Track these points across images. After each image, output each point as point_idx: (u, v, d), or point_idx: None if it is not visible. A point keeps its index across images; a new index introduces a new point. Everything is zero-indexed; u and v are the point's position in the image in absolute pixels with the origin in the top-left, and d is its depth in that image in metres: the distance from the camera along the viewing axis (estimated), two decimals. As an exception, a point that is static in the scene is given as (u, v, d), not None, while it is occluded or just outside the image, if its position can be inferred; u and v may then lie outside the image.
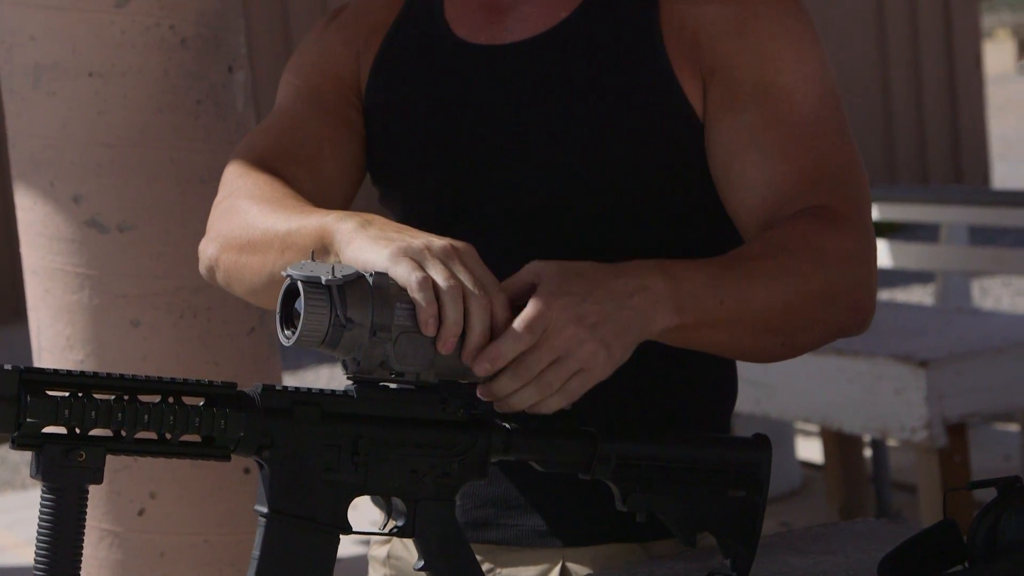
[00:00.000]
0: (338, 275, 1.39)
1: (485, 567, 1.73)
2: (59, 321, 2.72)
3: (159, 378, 1.37)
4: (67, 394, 1.33)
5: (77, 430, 1.33)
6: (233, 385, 1.39)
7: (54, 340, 2.73)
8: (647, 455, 1.54)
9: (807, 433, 5.94)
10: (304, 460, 1.41)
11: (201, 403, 1.37)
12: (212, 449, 1.39)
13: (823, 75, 1.68)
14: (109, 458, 1.35)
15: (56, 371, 1.33)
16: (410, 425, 1.45)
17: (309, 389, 1.42)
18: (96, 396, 1.33)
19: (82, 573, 1.34)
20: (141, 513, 2.70)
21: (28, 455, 1.34)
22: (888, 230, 8.71)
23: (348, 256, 1.47)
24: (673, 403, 1.71)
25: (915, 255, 6.11)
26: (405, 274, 1.42)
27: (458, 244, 1.46)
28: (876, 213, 5.50)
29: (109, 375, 1.35)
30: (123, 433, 1.35)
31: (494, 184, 1.71)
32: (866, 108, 12.72)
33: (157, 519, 2.71)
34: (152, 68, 2.67)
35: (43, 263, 2.74)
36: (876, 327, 1.66)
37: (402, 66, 1.78)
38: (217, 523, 2.72)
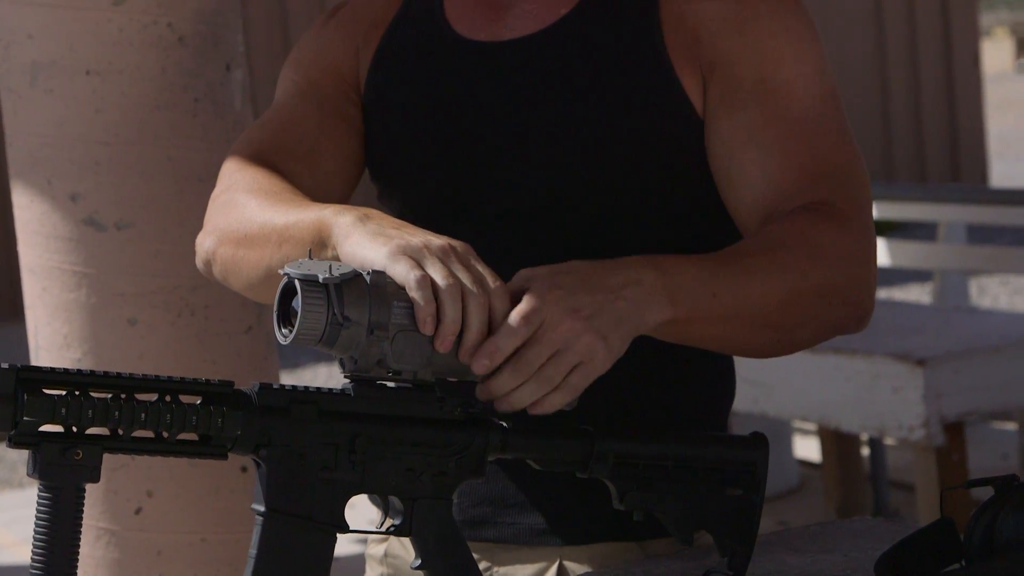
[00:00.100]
0: (335, 273, 1.39)
1: (482, 565, 1.73)
2: (56, 319, 2.72)
3: (156, 377, 1.36)
4: (64, 392, 1.32)
5: (74, 428, 1.33)
6: (230, 384, 1.39)
7: (51, 338, 2.73)
8: (644, 454, 1.54)
9: (805, 432, 5.94)
10: (301, 459, 1.41)
11: (198, 402, 1.37)
12: (209, 448, 1.39)
13: (823, 73, 1.68)
14: (106, 456, 1.35)
15: (53, 369, 1.33)
16: (407, 424, 1.45)
17: (306, 387, 1.42)
18: (93, 394, 1.33)
19: (79, 572, 1.34)
20: (138, 512, 2.70)
21: (25, 453, 1.34)
22: (886, 229, 8.71)
23: (345, 251, 1.47)
24: (670, 402, 1.71)
25: (913, 254, 6.12)
26: (403, 272, 1.42)
27: (456, 243, 1.46)
28: (874, 212, 5.49)
29: (106, 373, 1.35)
30: (120, 431, 1.35)
31: (493, 182, 1.71)
32: (864, 107, 12.72)
33: (154, 518, 2.70)
34: (150, 66, 2.67)
35: (40, 261, 2.73)
36: (874, 326, 1.66)
37: (401, 63, 1.78)
38: (214, 522, 2.72)
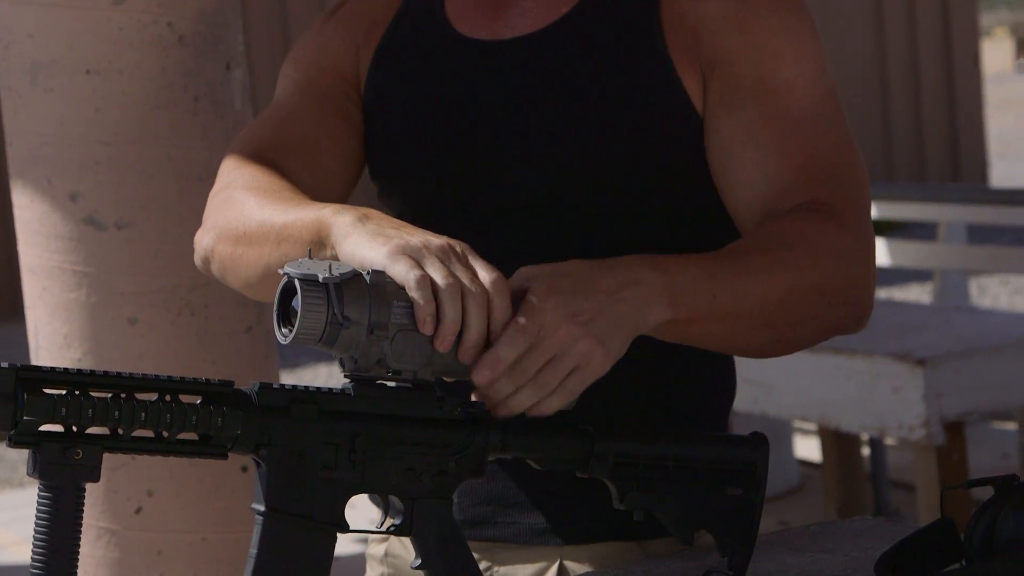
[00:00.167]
0: (335, 273, 1.39)
1: (482, 565, 1.72)
2: (56, 319, 2.72)
3: (156, 376, 1.36)
4: (64, 392, 1.32)
5: (74, 428, 1.33)
6: (230, 383, 1.39)
7: (51, 338, 2.73)
8: (645, 454, 1.54)
9: (805, 432, 5.94)
10: (301, 458, 1.41)
11: (198, 401, 1.37)
12: (209, 447, 1.39)
13: (823, 73, 1.67)
14: (106, 456, 1.35)
15: (53, 369, 1.33)
16: (407, 423, 1.45)
17: (306, 387, 1.42)
18: (93, 394, 1.33)
19: (79, 571, 1.34)
20: (138, 511, 2.70)
21: (25, 453, 1.34)
22: (886, 228, 8.71)
23: (344, 250, 1.47)
24: (671, 402, 1.71)
25: (913, 253, 6.12)
26: (403, 272, 1.41)
27: (455, 242, 1.46)
28: (874, 211, 5.49)
29: (106, 373, 1.35)
30: (120, 431, 1.35)
31: (493, 181, 1.70)
32: (864, 106, 12.72)
33: (154, 517, 2.70)
34: (150, 65, 2.67)
35: (40, 261, 2.73)
36: (874, 325, 1.66)
37: (401, 61, 1.77)
38: (214, 521, 2.72)
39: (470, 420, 1.48)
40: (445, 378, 1.46)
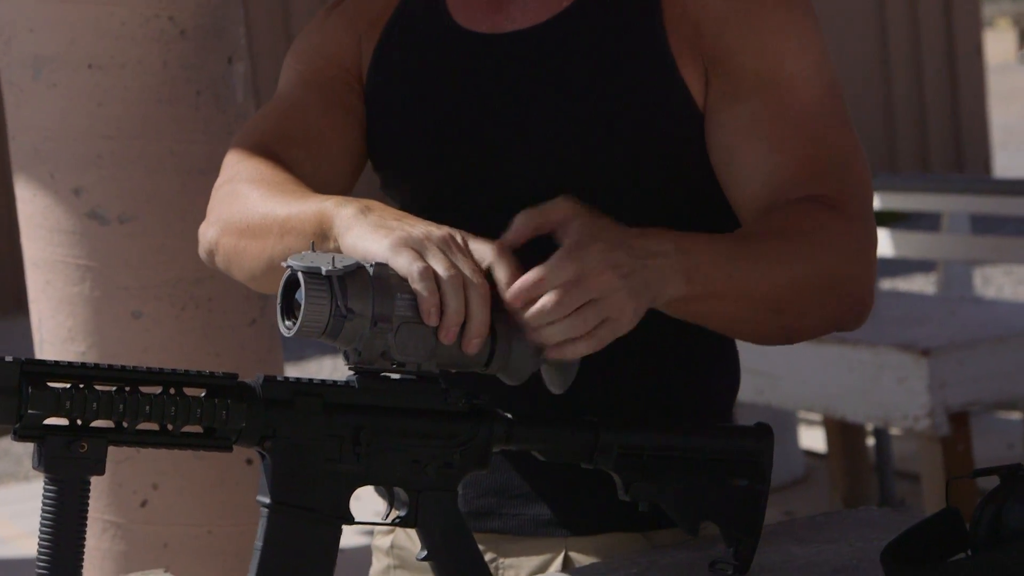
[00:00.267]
0: (338, 265, 1.39)
1: (488, 557, 1.72)
2: (60, 313, 2.72)
3: (160, 369, 1.36)
4: (68, 385, 1.32)
5: (79, 421, 1.33)
6: (234, 376, 1.39)
7: (55, 332, 2.73)
8: (649, 444, 1.54)
9: (810, 422, 5.94)
10: (306, 451, 1.41)
11: (203, 394, 1.37)
12: (214, 440, 1.39)
13: (824, 66, 1.67)
14: (111, 449, 1.35)
15: (57, 363, 1.33)
16: (412, 415, 1.45)
17: (311, 380, 1.42)
18: (98, 387, 1.33)
19: (85, 564, 1.34)
20: (144, 504, 2.70)
21: (31, 446, 1.34)
22: (889, 219, 8.71)
23: (347, 243, 1.47)
24: (675, 392, 1.71)
25: (917, 244, 6.11)
26: (406, 264, 1.41)
27: (457, 232, 1.46)
28: (877, 202, 5.50)
29: (110, 366, 1.35)
30: (125, 424, 1.35)
31: (494, 173, 1.70)
32: (867, 97, 12.71)
33: (160, 510, 2.71)
34: (152, 60, 2.67)
35: (44, 255, 2.74)
36: (878, 316, 1.66)
37: (403, 54, 1.77)
38: (220, 514, 2.72)
39: (475, 412, 1.48)
40: (449, 370, 1.46)
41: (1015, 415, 5.77)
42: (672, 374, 1.71)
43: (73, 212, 2.69)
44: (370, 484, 1.45)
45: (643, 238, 1.47)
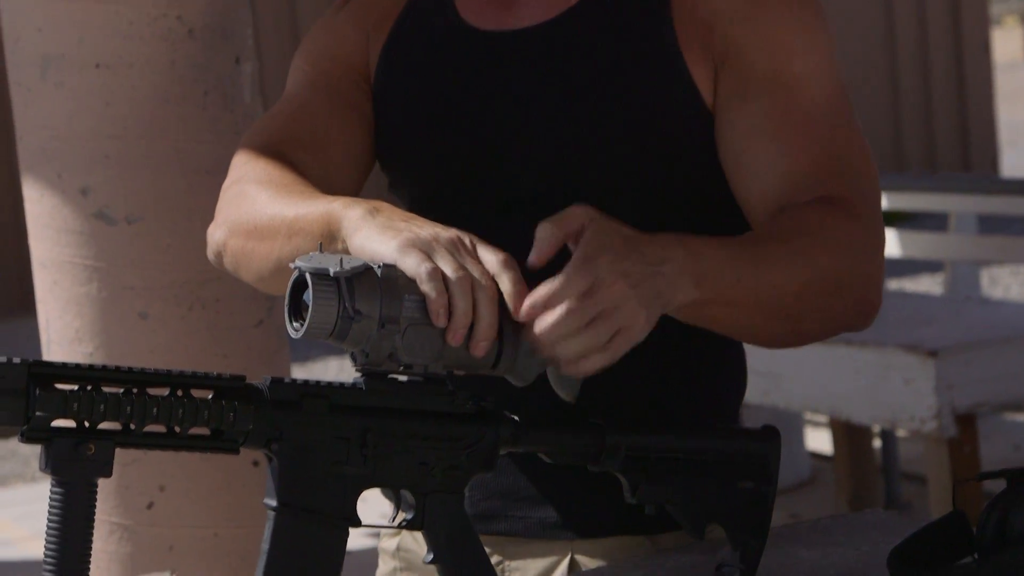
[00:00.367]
0: (346, 267, 1.39)
1: (494, 559, 1.72)
2: (67, 313, 2.72)
3: (168, 371, 1.36)
4: (76, 387, 1.32)
5: (86, 423, 1.33)
6: (242, 378, 1.39)
7: (63, 332, 2.73)
8: (656, 447, 1.54)
9: (816, 424, 5.93)
10: (313, 453, 1.41)
11: (210, 396, 1.37)
12: (221, 442, 1.39)
13: (832, 66, 1.67)
14: (118, 451, 1.35)
15: (65, 364, 1.33)
16: (419, 417, 1.45)
17: (318, 382, 1.42)
18: (105, 389, 1.33)
19: (92, 566, 1.34)
20: (150, 506, 2.71)
21: (38, 448, 1.34)
22: (896, 219, 8.70)
23: (355, 244, 1.47)
24: (682, 395, 1.71)
25: (924, 244, 6.10)
26: (414, 265, 1.41)
27: (465, 234, 1.46)
28: (884, 202, 5.48)
29: (118, 368, 1.35)
30: (132, 426, 1.35)
31: (501, 171, 1.70)
32: (874, 96, 12.70)
33: (166, 512, 2.71)
34: (159, 59, 2.67)
35: (51, 255, 2.74)
36: (884, 317, 1.66)
37: (410, 52, 1.77)
38: (226, 516, 2.72)
39: (481, 414, 1.48)
40: (456, 372, 1.46)
41: (1022, 416, 5.76)
42: (679, 376, 1.71)
43: (80, 212, 2.69)
44: (377, 486, 1.45)
45: (654, 244, 1.47)
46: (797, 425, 5.29)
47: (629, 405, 1.67)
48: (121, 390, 1.34)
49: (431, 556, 1.47)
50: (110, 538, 2.71)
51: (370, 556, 1.94)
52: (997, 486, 1.51)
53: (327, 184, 1.68)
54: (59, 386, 1.32)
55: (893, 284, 8.99)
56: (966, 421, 3.90)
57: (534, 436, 1.50)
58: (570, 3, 1.72)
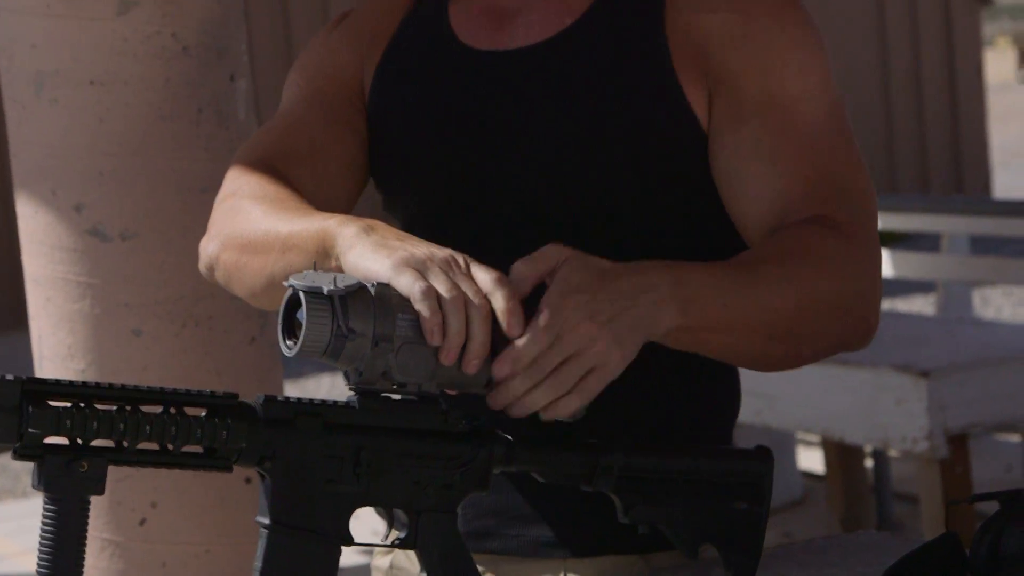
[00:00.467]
0: (340, 285, 1.39)
1: (486, 578, 1.72)
2: (60, 330, 2.72)
3: (161, 389, 1.36)
4: (69, 405, 1.32)
5: (79, 441, 1.33)
6: (235, 396, 1.39)
7: (55, 349, 2.73)
8: (649, 467, 1.54)
9: (808, 443, 5.93)
10: (306, 471, 1.41)
11: (203, 414, 1.37)
12: (214, 460, 1.39)
13: (828, 86, 1.67)
14: (110, 468, 1.35)
15: (58, 381, 1.33)
16: (412, 436, 1.45)
17: (311, 400, 1.42)
18: (98, 407, 1.33)
19: (84, 584, 1.34)
20: (142, 523, 2.70)
21: (28, 464, 1.34)
22: (889, 239, 8.71)
23: (348, 261, 1.47)
24: (676, 415, 1.71)
25: (916, 265, 6.11)
26: (408, 284, 1.42)
27: (459, 254, 1.46)
28: (877, 222, 5.49)
29: (111, 385, 1.35)
30: (125, 444, 1.34)
31: (495, 191, 1.71)
32: (867, 117, 12.73)
33: (159, 529, 2.70)
34: (154, 76, 2.67)
35: (44, 272, 2.74)
36: (877, 337, 1.66)
37: (405, 70, 1.78)
38: (218, 533, 2.72)
39: (475, 433, 1.48)
40: (449, 391, 1.46)
41: (1014, 437, 5.77)
42: (672, 397, 1.71)
43: (74, 229, 2.69)
44: (370, 505, 1.45)
45: (634, 275, 1.47)
46: (789, 444, 5.29)
47: (623, 425, 1.67)
48: (114, 407, 1.34)
49: (424, 574, 1.46)
50: (102, 554, 2.71)
51: (363, 573, 1.95)
52: (990, 507, 1.51)
53: (321, 199, 1.68)
54: (52, 403, 1.32)
55: (886, 304, 8.99)
56: (958, 441, 3.90)
57: (528, 456, 1.50)
58: (564, 24, 1.72)
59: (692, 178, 1.67)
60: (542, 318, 1.42)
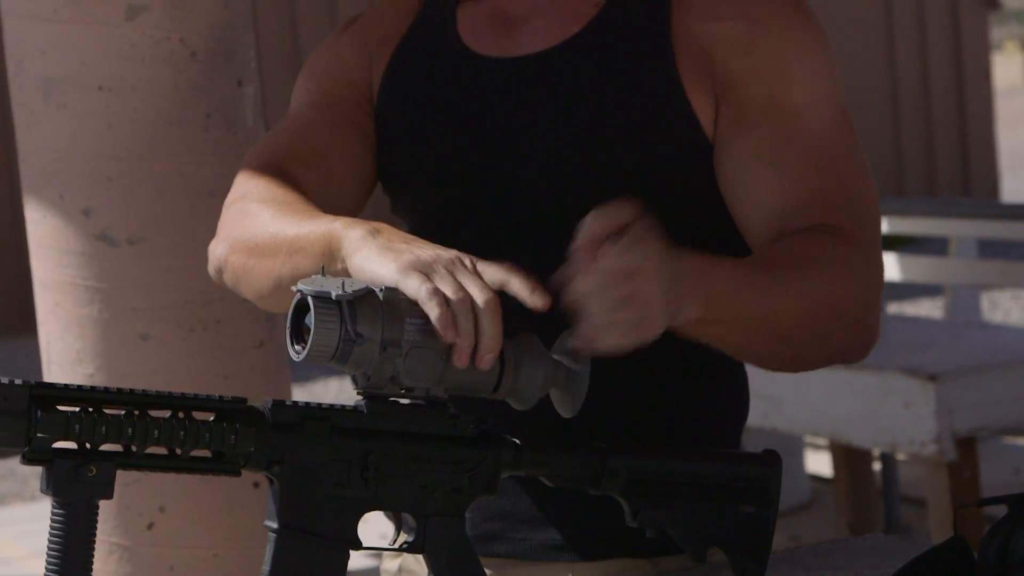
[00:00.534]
0: (348, 290, 1.39)
1: (494, 582, 1.72)
2: (69, 335, 2.72)
3: (169, 393, 1.37)
4: (77, 409, 1.33)
5: (87, 445, 1.33)
6: (243, 400, 1.39)
7: (64, 354, 2.73)
8: (657, 471, 1.54)
9: (816, 446, 5.93)
10: (314, 475, 1.41)
11: (211, 418, 1.37)
12: (222, 464, 1.39)
13: (835, 93, 1.67)
14: (119, 472, 1.35)
15: (67, 386, 1.33)
16: (420, 440, 1.45)
17: (319, 404, 1.42)
18: (106, 411, 1.33)
19: (92, 588, 1.34)
20: (151, 527, 2.70)
21: (37, 467, 1.34)
22: (897, 243, 8.71)
23: (355, 264, 1.47)
24: (684, 419, 1.71)
25: (924, 268, 6.11)
26: (415, 287, 1.42)
27: (465, 256, 1.46)
28: (885, 226, 5.50)
29: (119, 390, 1.35)
30: (133, 448, 1.35)
31: (501, 196, 1.71)
32: (875, 121, 12.72)
33: (167, 533, 2.71)
34: (162, 82, 2.67)
35: (53, 276, 2.74)
36: (885, 340, 1.66)
37: (413, 75, 1.78)
38: (226, 537, 2.72)
39: (483, 437, 1.48)
40: (458, 395, 1.46)
41: (1022, 441, 5.76)
42: (681, 400, 1.71)
43: (82, 233, 2.69)
44: (378, 509, 1.45)
45: (683, 260, 1.47)
46: (797, 447, 5.28)
47: (631, 429, 1.67)
48: (122, 412, 1.34)
49: (432, 579, 1.47)
50: (110, 558, 2.71)
51: (371, 578, 1.95)
52: (998, 511, 1.51)
53: (329, 203, 1.68)
54: (61, 408, 1.32)
55: (893, 308, 8.99)
56: (966, 445, 3.90)
57: (535, 459, 1.50)
58: (571, 32, 1.72)
59: (695, 184, 1.68)
60: (629, 243, 1.40)
